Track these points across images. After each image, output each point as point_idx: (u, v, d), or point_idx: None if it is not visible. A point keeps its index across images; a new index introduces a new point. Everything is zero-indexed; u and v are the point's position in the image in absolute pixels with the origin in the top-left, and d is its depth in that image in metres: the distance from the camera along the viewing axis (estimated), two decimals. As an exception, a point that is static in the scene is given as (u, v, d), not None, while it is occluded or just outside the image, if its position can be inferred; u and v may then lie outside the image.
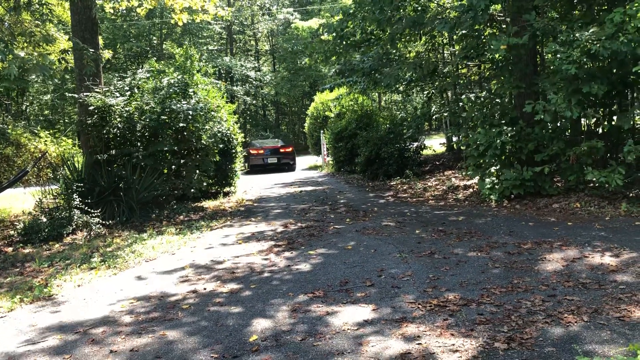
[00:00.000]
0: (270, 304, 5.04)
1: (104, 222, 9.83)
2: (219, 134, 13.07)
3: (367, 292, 5.17)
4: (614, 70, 9.24)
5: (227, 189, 14.67)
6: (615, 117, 9.71)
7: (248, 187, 16.47)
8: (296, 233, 8.61)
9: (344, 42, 12.78)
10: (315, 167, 23.59)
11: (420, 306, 4.66)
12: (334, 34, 12.62)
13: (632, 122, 9.26)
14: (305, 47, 16.23)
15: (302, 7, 44.95)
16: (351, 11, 12.23)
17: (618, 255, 5.83)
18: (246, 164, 22.21)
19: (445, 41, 15.63)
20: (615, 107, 9.94)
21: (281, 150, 24.17)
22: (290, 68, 43.54)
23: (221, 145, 13.34)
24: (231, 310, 4.98)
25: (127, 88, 11.97)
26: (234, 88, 41.31)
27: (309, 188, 15.44)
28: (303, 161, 27.96)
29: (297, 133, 47.12)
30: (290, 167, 24.16)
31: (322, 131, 23.14)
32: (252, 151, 23.75)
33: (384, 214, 9.97)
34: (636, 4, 7.92)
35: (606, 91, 8.81)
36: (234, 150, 14.27)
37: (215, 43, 45.42)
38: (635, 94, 10.10)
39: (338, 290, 5.31)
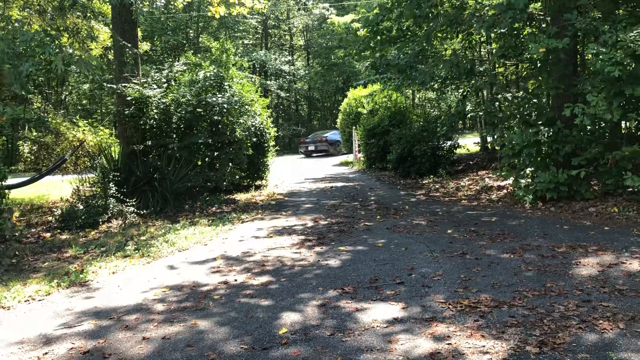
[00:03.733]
0: (300, 298, 5.07)
1: (138, 211, 10.02)
2: (252, 128, 13.18)
3: (397, 290, 5.16)
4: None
5: (258, 182, 14.79)
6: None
7: (279, 181, 16.56)
8: (326, 228, 8.63)
9: (379, 37, 12.71)
10: (346, 163, 23.55)
11: (450, 306, 4.63)
12: (369, 29, 12.56)
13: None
14: (340, 40, 16.20)
15: (338, 2, 44.79)
16: (388, 6, 12.16)
17: (657, 263, 5.68)
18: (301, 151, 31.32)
19: (482, 39, 15.40)
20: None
21: (318, 140, 30.70)
22: (324, 63, 43.53)
23: (254, 139, 13.45)
24: (261, 302, 5.03)
25: (164, 80, 12.16)
26: (268, 82, 41.55)
27: (340, 184, 15.45)
28: (334, 157, 27.97)
29: (329, 128, 47.15)
30: (328, 154, 29.92)
31: (354, 127, 23.09)
32: (302, 141, 32.61)
33: (415, 212, 9.91)
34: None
35: (649, 94, 8.56)
36: (266, 144, 14.36)
37: (250, 37, 45.71)
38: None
39: (368, 287, 5.31)
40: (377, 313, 4.56)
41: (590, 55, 9.15)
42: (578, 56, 11.07)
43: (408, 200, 11.55)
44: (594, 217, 8.55)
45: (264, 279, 5.85)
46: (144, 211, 10.19)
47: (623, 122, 10.27)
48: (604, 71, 8.31)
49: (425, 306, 4.68)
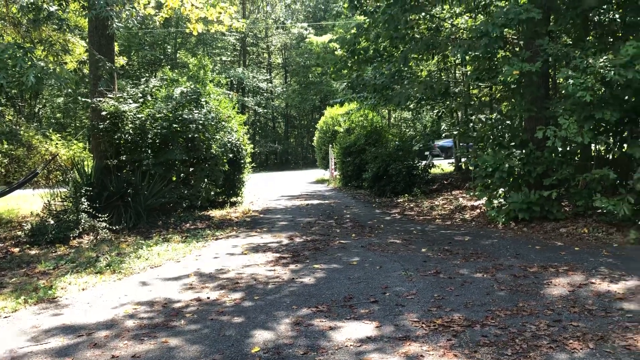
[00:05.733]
0: (273, 316, 5.03)
1: (110, 226, 9.86)
2: (228, 144, 13.14)
3: (371, 309, 5.15)
4: (626, 98, 9.22)
5: (234, 199, 14.71)
6: (626, 145, 9.69)
7: (255, 197, 16.50)
8: (301, 246, 8.61)
9: (356, 57, 12.86)
10: (322, 181, 23.60)
11: (424, 325, 4.64)
12: (347, 48, 12.70)
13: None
14: (317, 59, 16.35)
15: (316, 22, 45.24)
16: (365, 26, 12.31)
17: (625, 283, 5.79)
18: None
19: (457, 61, 15.68)
20: (626, 134, 9.91)
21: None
22: (302, 82, 43.76)
23: (230, 155, 13.40)
24: (234, 320, 4.97)
25: (140, 95, 12.07)
26: (245, 99, 41.56)
27: (316, 201, 15.45)
28: (310, 175, 27.99)
29: (305, 146, 47.24)
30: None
31: (330, 145, 23.20)
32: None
33: (390, 230, 9.95)
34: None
35: (618, 118, 8.80)
36: (242, 161, 14.33)
37: (228, 54, 45.77)
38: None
39: (342, 306, 5.30)
40: (351, 332, 4.54)
41: (561, 80, 9.38)
42: (550, 80, 11.33)
43: (383, 219, 11.60)
44: (564, 237, 8.70)
45: (238, 296, 5.79)
46: (117, 227, 10.04)
47: (593, 145, 10.51)
48: (575, 95, 8.52)
49: (398, 325, 4.68)
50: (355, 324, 4.76)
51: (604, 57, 8.59)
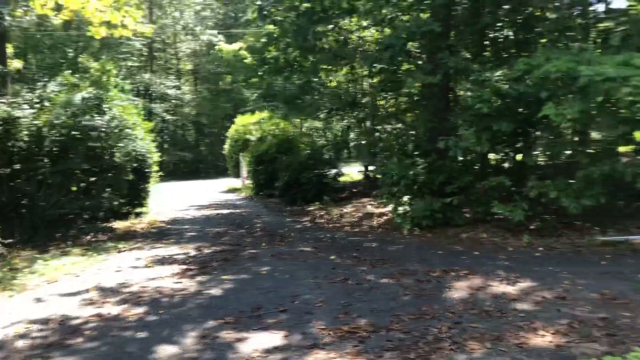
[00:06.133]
0: (179, 330, 4.88)
1: (2, 240, 9.17)
2: (133, 152, 12.65)
3: (280, 318, 5.13)
4: (520, 110, 9.85)
5: (139, 210, 14.17)
6: (520, 154, 10.36)
7: (162, 208, 16.00)
8: (210, 257, 8.43)
9: (267, 66, 12.86)
10: (233, 190, 23.33)
11: (331, 332, 4.68)
12: (257, 57, 12.68)
13: (535, 160, 9.90)
14: (227, 66, 16.18)
15: (226, 30, 44.80)
16: (275, 36, 12.35)
17: (518, 284, 6.14)
18: None
19: (365, 73, 16.09)
20: (520, 144, 10.58)
21: None
22: (213, 89, 43.12)
23: (135, 164, 12.91)
24: (137, 335, 4.77)
25: (37, 100, 11.35)
26: (153, 106, 40.29)
27: (226, 211, 15.23)
28: (221, 183, 27.56)
29: (217, 155, 46.48)
30: None
31: (242, 154, 23.03)
32: None
33: (300, 239, 10.00)
34: (537, 56, 8.53)
35: (513, 129, 9.38)
36: (148, 170, 13.86)
37: (135, 59, 44.21)
38: (538, 133, 10.80)
39: (250, 316, 5.23)
40: (258, 342, 4.50)
41: (462, 92, 9.90)
42: (451, 92, 11.90)
43: (294, 227, 11.64)
44: (465, 242, 9.12)
45: (141, 310, 5.57)
46: (9, 240, 9.35)
47: (492, 154, 11.14)
48: (474, 107, 9.00)
49: (306, 333, 4.69)
50: (263, 334, 4.72)
51: (500, 72, 9.14)
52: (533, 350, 4.17)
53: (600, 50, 9.29)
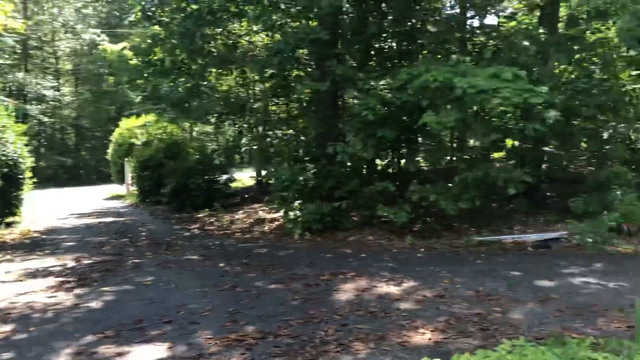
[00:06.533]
0: (51, 348, 4.53)
1: None
2: (3, 157, 11.64)
3: (164, 330, 4.93)
4: (404, 118, 10.30)
5: (10, 219, 13.04)
6: (403, 160, 10.82)
7: (38, 216, 14.87)
8: (89, 268, 7.94)
9: (153, 68, 12.40)
10: (118, 197, 22.25)
11: (218, 342, 4.57)
12: (142, 58, 12.19)
13: (417, 165, 10.38)
14: (109, 67, 15.42)
15: (111, 29, 42.73)
16: (161, 37, 11.93)
17: (402, 284, 6.39)
18: None
19: (256, 78, 16.03)
20: (404, 150, 11.06)
21: None
22: (95, 91, 40.90)
23: (5, 170, 11.88)
24: (1, 357, 4.36)
25: None
26: (28, 107, 37.43)
27: (109, 219, 14.47)
28: (105, 190, 26.16)
29: (100, 160, 44.08)
30: None
31: (126, 159, 22.03)
32: None
33: (188, 247, 9.73)
34: (418, 67, 8.98)
35: (396, 136, 9.78)
36: (21, 176, 12.81)
37: (6, 57, 40.85)
38: (421, 140, 11.37)
39: (131, 329, 4.98)
40: (141, 356, 4.29)
41: (350, 100, 10.17)
42: (340, 99, 12.18)
43: (182, 235, 11.31)
44: (353, 245, 9.35)
45: (8, 328, 5.10)
46: None
47: (378, 160, 11.54)
48: (360, 115, 9.27)
49: (192, 344, 4.54)
50: (146, 347, 4.51)
51: (384, 81, 9.50)
52: (414, 348, 4.33)
53: (475, 63, 9.95)
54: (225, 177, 16.01)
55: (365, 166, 11.44)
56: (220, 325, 5.03)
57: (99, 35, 41.80)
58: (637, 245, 8.34)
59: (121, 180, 24.92)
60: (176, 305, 5.76)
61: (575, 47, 10.37)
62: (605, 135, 10.68)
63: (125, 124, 24.89)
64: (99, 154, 44.36)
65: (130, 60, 13.41)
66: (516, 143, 10.97)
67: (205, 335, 4.76)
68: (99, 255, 9.02)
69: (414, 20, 11.40)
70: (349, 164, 10.60)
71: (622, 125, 10.80)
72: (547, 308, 5.31)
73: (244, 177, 19.37)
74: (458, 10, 12.10)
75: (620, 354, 3.34)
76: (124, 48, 12.69)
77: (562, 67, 11.34)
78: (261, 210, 13.97)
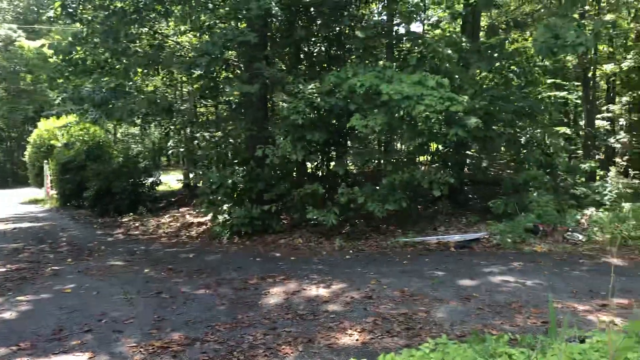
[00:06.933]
0: (-41, 363, 4.25)
1: None
2: None
3: (84, 339, 4.74)
4: (333, 122, 10.42)
5: None
6: (332, 163, 10.94)
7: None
8: (3, 277, 7.49)
9: (74, 67, 11.88)
10: (36, 201, 21.14)
11: (142, 350, 4.44)
12: (62, 57, 11.65)
13: (345, 168, 10.52)
14: (28, 64, 14.63)
15: (29, 25, 40.65)
16: (83, 35, 11.45)
17: (330, 286, 6.46)
18: None
19: (184, 79, 15.72)
20: (333, 153, 11.19)
21: None
22: (11, 89, 38.69)
23: None
24: None
25: None
26: None
27: (26, 225, 13.73)
28: (22, 194, 24.80)
29: (16, 162, 41.79)
30: None
31: (46, 161, 21.00)
32: None
33: (111, 252, 9.39)
34: (345, 70, 9.13)
35: (325, 139, 9.88)
36: None
37: None
38: (350, 143, 11.54)
39: (49, 340, 4.75)
40: (58, 368, 4.10)
41: (280, 102, 10.17)
42: (269, 102, 12.16)
43: (105, 240, 10.90)
44: (283, 248, 9.35)
45: None
46: None
47: (308, 163, 11.60)
48: (289, 118, 9.29)
49: (114, 353, 4.39)
50: (65, 357, 4.33)
51: (313, 85, 9.57)
52: (342, 349, 4.39)
53: (400, 69, 10.22)
54: (151, 180, 15.59)
55: (295, 169, 11.48)
56: (145, 332, 4.90)
57: (15, 31, 39.66)
58: (551, 245, 8.84)
59: (40, 183, 23.73)
60: (98, 313, 5.55)
61: (495, 55, 10.87)
62: (522, 140, 11.25)
63: (45, 124, 23.77)
64: (15, 156, 42.10)
65: (50, 58, 12.76)
66: (440, 147, 11.34)
67: (129, 343, 4.61)
68: (14, 262, 8.54)
69: (342, 26, 11.56)
70: (278, 166, 10.60)
71: (538, 130, 11.42)
72: (468, 306, 5.52)
73: (171, 180, 18.95)
74: (385, 18, 12.38)
75: (535, 348, 3.52)
76: (42, 45, 12.07)
77: (483, 74, 11.87)
78: (188, 214, 13.70)
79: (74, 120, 18.35)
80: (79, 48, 11.27)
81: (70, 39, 11.78)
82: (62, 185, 17.68)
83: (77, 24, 11.91)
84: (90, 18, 11.20)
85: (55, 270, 7.90)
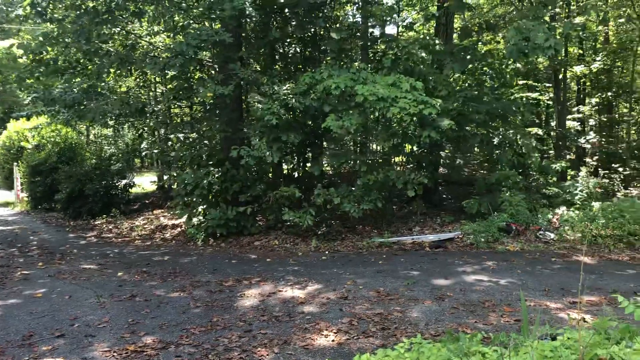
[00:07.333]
0: None
1: None
2: None
3: (56, 345, 4.65)
4: (309, 123, 10.42)
5: None
6: (308, 164, 10.94)
7: None
8: (-29, 282, 7.33)
9: (45, 68, 11.66)
10: (6, 204, 20.68)
11: (115, 354, 4.38)
12: (32, 57, 11.43)
13: (321, 169, 10.53)
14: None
15: (-3, 24, 39.76)
16: (54, 34, 11.24)
17: (306, 288, 6.46)
18: None
19: (157, 79, 15.56)
20: (309, 155, 11.18)
21: None
22: (-21, 90, 37.86)
23: None
24: None
25: None
26: None
27: (-5, 228, 13.44)
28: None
29: (-15, 164, 40.83)
30: None
31: (16, 164, 20.56)
32: None
33: (84, 256, 9.24)
34: (320, 71, 9.14)
35: (301, 140, 9.87)
36: None
37: None
38: (325, 144, 11.55)
39: (19, 346, 4.66)
40: (29, 375, 4.02)
41: (256, 104, 10.13)
42: (244, 103, 12.10)
43: (77, 243, 10.72)
44: (259, 250, 9.32)
45: None
46: None
47: (284, 164, 11.59)
48: (264, 119, 9.26)
49: (87, 358, 4.32)
50: (36, 364, 4.23)
51: (287, 85, 9.57)
52: (317, 350, 4.39)
53: (375, 70, 10.27)
54: (124, 182, 15.38)
55: (270, 170, 11.45)
56: (118, 336, 4.83)
57: (-17, 30, 38.72)
58: (523, 244, 8.97)
59: (10, 186, 23.22)
60: (70, 317, 5.46)
61: (468, 57, 10.99)
62: (495, 141, 11.41)
63: (15, 126, 23.30)
64: (-17, 158, 41.07)
65: (20, 58, 12.51)
66: (415, 148, 11.43)
67: (102, 348, 4.54)
68: (-17, 267, 8.35)
69: (317, 27, 11.57)
70: (254, 168, 10.56)
71: (511, 131, 11.59)
72: (443, 306, 5.58)
73: (145, 182, 18.70)
74: (360, 19, 12.44)
75: (508, 347, 3.57)
76: (12, 45, 11.83)
77: (456, 75, 12.00)
78: (163, 216, 13.56)
79: (45, 122, 18.03)
80: (49, 48, 11.07)
81: (40, 38, 11.57)
82: (33, 188, 17.34)
83: (48, 24, 11.68)
84: (61, 17, 10.99)
85: (25, 274, 7.74)
